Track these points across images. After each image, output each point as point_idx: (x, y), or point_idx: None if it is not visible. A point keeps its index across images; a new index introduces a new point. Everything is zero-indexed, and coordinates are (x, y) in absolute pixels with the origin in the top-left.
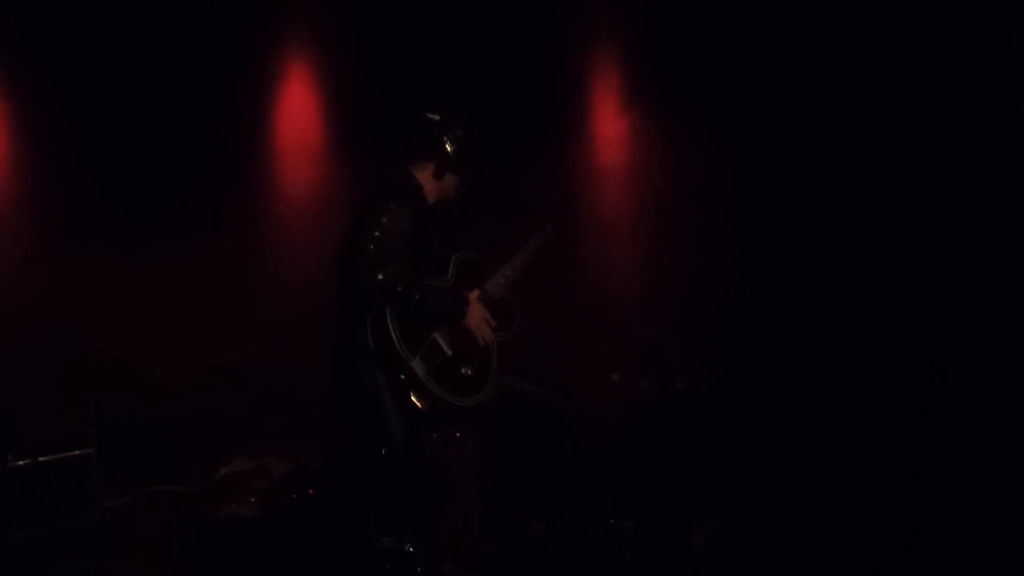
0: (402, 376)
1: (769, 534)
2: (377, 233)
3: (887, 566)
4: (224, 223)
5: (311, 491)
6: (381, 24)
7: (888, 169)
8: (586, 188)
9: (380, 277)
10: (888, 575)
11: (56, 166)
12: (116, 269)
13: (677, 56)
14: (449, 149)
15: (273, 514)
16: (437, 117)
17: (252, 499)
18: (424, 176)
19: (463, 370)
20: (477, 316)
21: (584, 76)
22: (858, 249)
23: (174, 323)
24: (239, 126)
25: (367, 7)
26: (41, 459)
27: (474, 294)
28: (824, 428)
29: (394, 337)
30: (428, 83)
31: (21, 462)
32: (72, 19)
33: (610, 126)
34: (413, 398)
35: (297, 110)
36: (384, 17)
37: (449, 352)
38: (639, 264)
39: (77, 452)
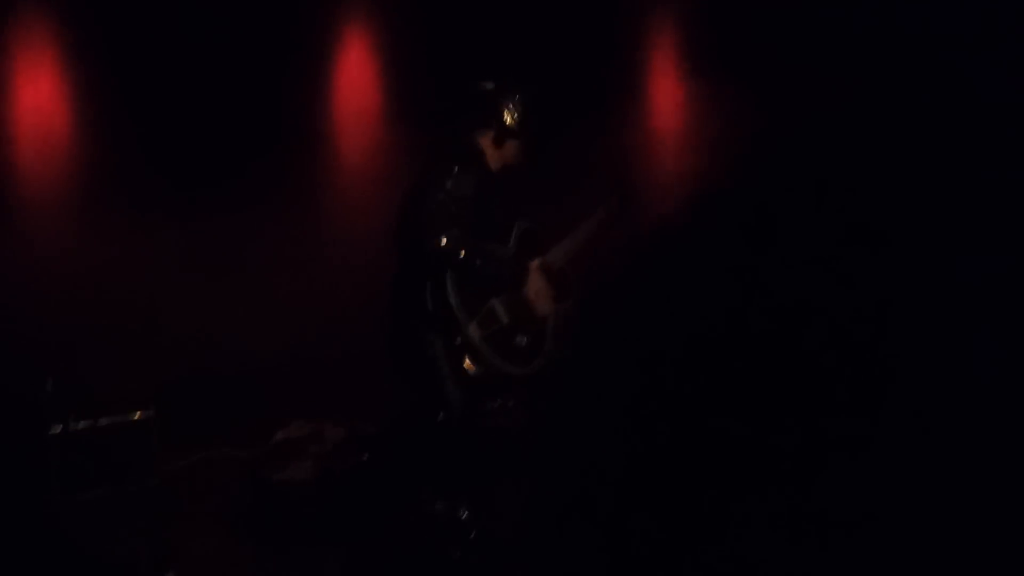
0: (458, 340)
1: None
2: (441, 196)
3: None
4: (283, 190)
5: (365, 456)
6: None
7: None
8: (641, 155)
9: (443, 241)
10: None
11: (120, 136)
12: (177, 237)
13: (737, 23)
14: (507, 117)
15: (328, 478)
16: (491, 86)
17: (307, 463)
18: (485, 143)
19: (518, 339)
20: (536, 286)
21: (643, 41)
22: (909, 219)
23: (234, 290)
24: (297, 93)
25: None
26: (102, 422)
27: (534, 264)
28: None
29: (452, 301)
30: (486, 49)
31: (82, 425)
32: None
33: (668, 92)
34: (467, 362)
35: (355, 76)
36: None
37: (505, 320)
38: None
39: (137, 415)
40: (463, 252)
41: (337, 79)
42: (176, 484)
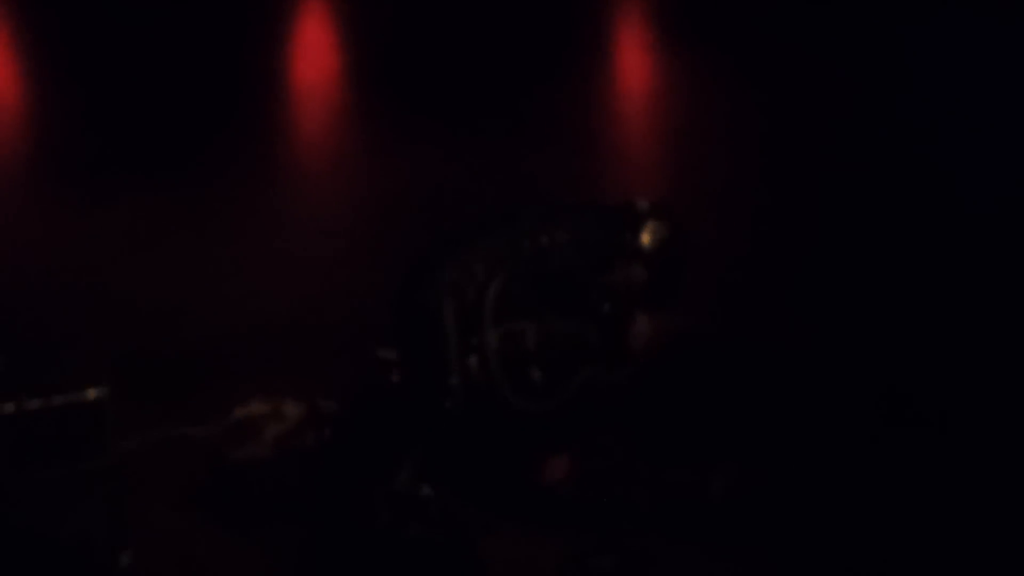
0: (474, 339)
1: (787, 478)
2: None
3: (907, 508)
4: (243, 162)
5: (327, 433)
6: None
7: (918, 110)
8: (607, 121)
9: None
10: (909, 517)
11: (74, 108)
12: (132, 210)
13: None
14: (645, 241)
15: (288, 457)
16: (645, 207)
17: (267, 442)
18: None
19: (534, 372)
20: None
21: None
22: (879, 187)
23: (191, 264)
24: (255, 60)
25: None
26: (55, 400)
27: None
28: (845, 368)
29: (490, 299)
30: (450, 13)
31: (35, 403)
32: None
33: (634, 58)
34: (472, 361)
35: (314, 41)
36: None
37: (531, 347)
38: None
39: (91, 393)
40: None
41: (295, 45)
42: (132, 463)
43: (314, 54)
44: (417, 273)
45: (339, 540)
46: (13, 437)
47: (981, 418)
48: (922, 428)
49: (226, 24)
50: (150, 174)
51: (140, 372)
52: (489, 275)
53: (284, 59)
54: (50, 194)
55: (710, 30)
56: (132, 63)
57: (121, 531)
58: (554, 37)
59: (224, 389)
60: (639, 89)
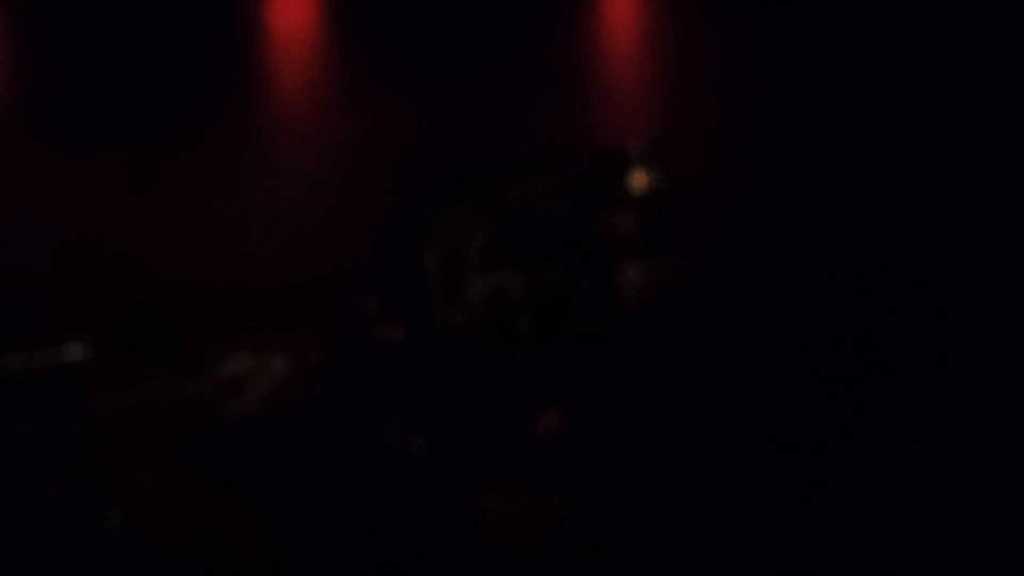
0: (459, 288)
1: (778, 434)
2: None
3: (897, 465)
4: (222, 117)
5: (315, 388)
6: None
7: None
8: (597, 66)
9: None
10: (902, 473)
11: (53, 66)
12: (115, 166)
13: None
14: (633, 187)
15: (275, 413)
16: (631, 153)
17: (253, 398)
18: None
19: (521, 322)
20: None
21: None
22: (872, 128)
23: (175, 220)
24: (233, 18)
25: None
26: (36, 358)
27: None
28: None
29: (474, 249)
30: None
31: (16, 361)
32: None
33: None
34: (457, 313)
35: (290, 7)
36: None
37: (519, 298)
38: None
39: (72, 351)
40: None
41: (271, 10)
42: (116, 421)
43: (293, 4)
44: (401, 223)
45: (331, 496)
46: None
47: (967, 367)
48: (912, 375)
49: None
50: (132, 129)
51: (124, 329)
52: (475, 224)
53: (263, 10)
54: (32, 149)
55: None
56: (113, 18)
57: (109, 492)
58: None
59: (210, 344)
60: (628, 33)
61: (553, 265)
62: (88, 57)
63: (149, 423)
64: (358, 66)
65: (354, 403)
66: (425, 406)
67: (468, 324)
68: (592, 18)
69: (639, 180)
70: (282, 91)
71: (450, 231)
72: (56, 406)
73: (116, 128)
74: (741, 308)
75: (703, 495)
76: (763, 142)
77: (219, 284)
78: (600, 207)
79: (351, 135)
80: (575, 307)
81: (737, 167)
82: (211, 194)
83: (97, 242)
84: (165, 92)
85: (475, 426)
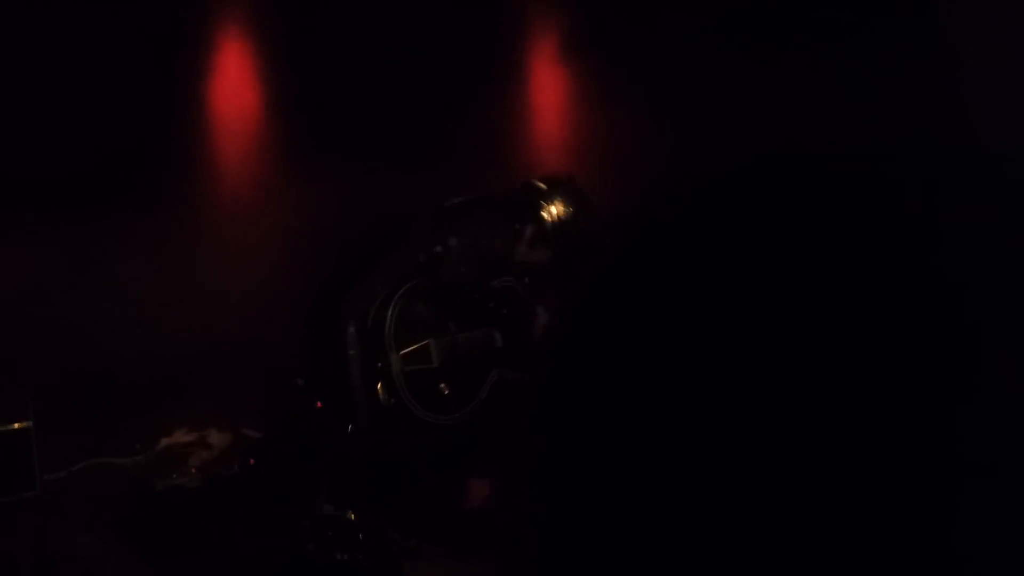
0: (379, 364)
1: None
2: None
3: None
4: (161, 190)
5: (252, 461)
6: None
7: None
8: (519, 141)
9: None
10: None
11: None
12: (54, 243)
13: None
14: (547, 220)
15: (214, 484)
16: (544, 186)
17: (193, 470)
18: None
19: (442, 386)
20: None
21: (521, 23)
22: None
23: (111, 294)
24: (174, 90)
25: None
26: None
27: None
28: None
29: (388, 321)
30: (368, 39)
31: None
32: None
33: (547, 75)
34: (379, 390)
35: (233, 72)
36: None
37: (435, 363)
38: None
39: (15, 425)
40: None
41: (215, 76)
42: (58, 493)
43: (235, 87)
44: (322, 300)
45: (266, 567)
46: None
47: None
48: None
49: (148, 58)
50: (68, 203)
51: (64, 403)
52: (389, 295)
53: (205, 92)
54: None
55: (623, 48)
56: (48, 87)
57: (48, 562)
58: (469, 63)
59: (148, 418)
60: (553, 107)
61: (465, 325)
62: (24, 138)
63: (89, 493)
64: (298, 146)
65: (288, 475)
66: (353, 478)
67: (389, 397)
68: (519, 98)
69: (549, 212)
70: (220, 173)
71: (366, 305)
72: (0, 480)
73: (54, 207)
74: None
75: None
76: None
77: (158, 359)
78: (510, 251)
79: (290, 215)
80: (492, 362)
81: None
82: (149, 272)
83: (37, 319)
84: (103, 171)
85: (406, 495)
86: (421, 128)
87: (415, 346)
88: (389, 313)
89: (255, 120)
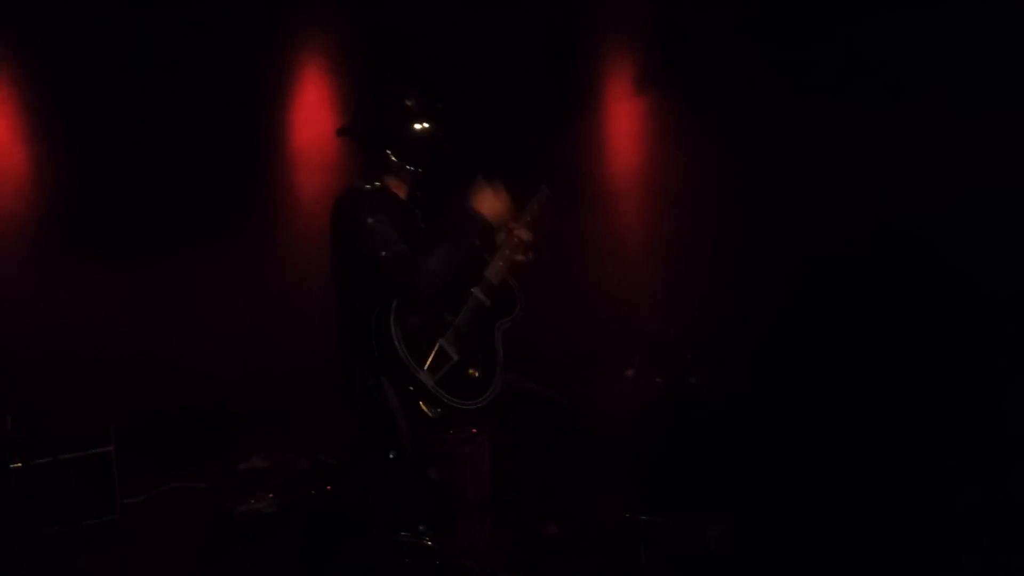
0: (411, 388)
1: (781, 532)
2: (384, 253)
3: (898, 565)
4: (242, 223)
5: (328, 487)
6: (393, 19)
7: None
8: (596, 174)
9: (419, 283)
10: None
11: (74, 173)
12: (134, 272)
13: (693, 41)
14: (408, 103)
15: (291, 509)
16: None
17: (270, 495)
18: (390, 179)
19: (470, 371)
20: (511, 242)
21: (597, 58)
22: (871, 247)
23: (193, 324)
24: (255, 129)
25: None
26: (62, 457)
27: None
28: (836, 426)
29: (399, 348)
30: (443, 76)
31: (42, 460)
32: (85, 21)
33: (622, 109)
34: (423, 407)
35: (312, 110)
36: (396, 11)
37: (456, 356)
38: (651, 258)
39: (96, 450)
40: (436, 277)
41: (294, 114)
42: (138, 518)
43: (313, 116)
44: (343, 345)
45: None
46: (21, 493)
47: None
48: (914, 482)
49: (230, 89)
50: (151, 237)
51: (145, 429)
52: (381, 326)
53: (284, 122)
54: (52, 257)
55: (695, 83)
56: (132, 127)
57: None
58: (548, 96)
59: (228, 445)
60: (627, 138)
61: (454, 311)
62: (102, 170)
63: (169, 518)
64: None
65: (365, 501)
66: (420, 502)
67: (436, 408)
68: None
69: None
70: (299, 200)
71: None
72: (82, 504)
73: (135, 237)
74: (738, 406)
75: None
76: (765, 255)
77: (238, 386)
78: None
79: None
80: (493, 321)
81: (736, 278)
82: (232, 300)
83: (125, 342)
84: (180, 201)
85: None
86: (500, 158)
87: (432, 354)
88: (394, 339)
89: (333, 152)
